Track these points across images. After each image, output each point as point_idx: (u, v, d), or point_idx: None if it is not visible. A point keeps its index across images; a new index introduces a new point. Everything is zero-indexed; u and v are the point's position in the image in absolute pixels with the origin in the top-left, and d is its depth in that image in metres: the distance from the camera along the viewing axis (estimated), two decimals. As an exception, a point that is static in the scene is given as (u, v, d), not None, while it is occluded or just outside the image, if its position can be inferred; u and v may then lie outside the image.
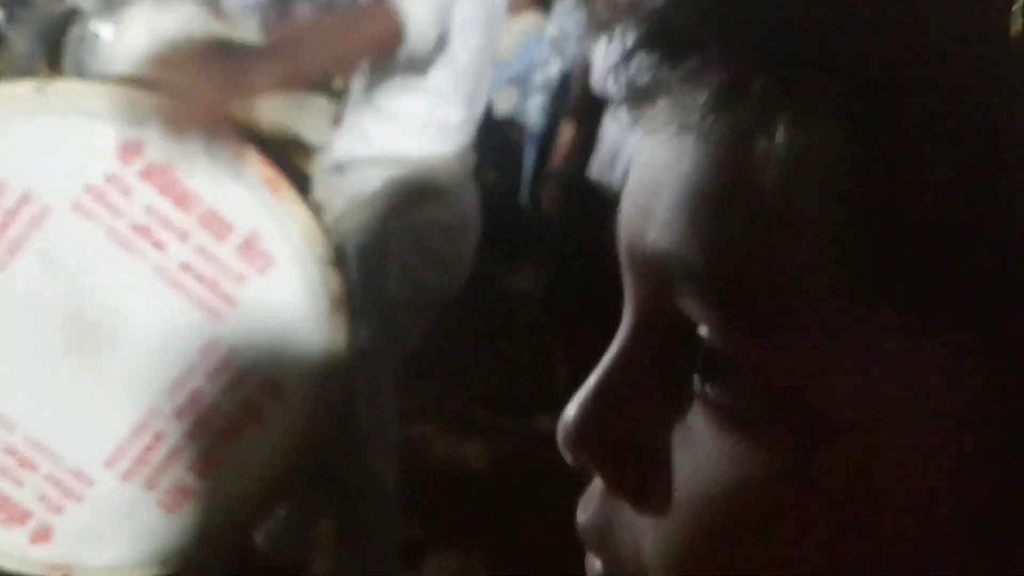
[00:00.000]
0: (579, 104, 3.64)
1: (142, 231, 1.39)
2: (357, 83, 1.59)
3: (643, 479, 0.26)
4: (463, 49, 1.54)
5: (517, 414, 3.13)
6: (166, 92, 1.30)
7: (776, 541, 0.24)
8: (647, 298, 0.27)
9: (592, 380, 0.28)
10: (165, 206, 1.39)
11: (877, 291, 0.22)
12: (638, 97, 0.27)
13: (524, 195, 4.60)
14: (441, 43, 1.49)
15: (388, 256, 1.59)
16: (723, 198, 0.24)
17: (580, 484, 0.30)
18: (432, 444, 2.81)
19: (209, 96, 1.33)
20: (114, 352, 1.40)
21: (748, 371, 0.24)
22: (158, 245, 1.39)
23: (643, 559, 0.26)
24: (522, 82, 4.61)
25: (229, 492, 1.46)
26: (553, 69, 4.39)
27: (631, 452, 0.27)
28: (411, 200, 1.59)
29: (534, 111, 4.56)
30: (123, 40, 4.78)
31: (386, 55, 1.44)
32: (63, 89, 1.38)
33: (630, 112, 0.28)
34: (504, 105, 4.77)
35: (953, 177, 0.21)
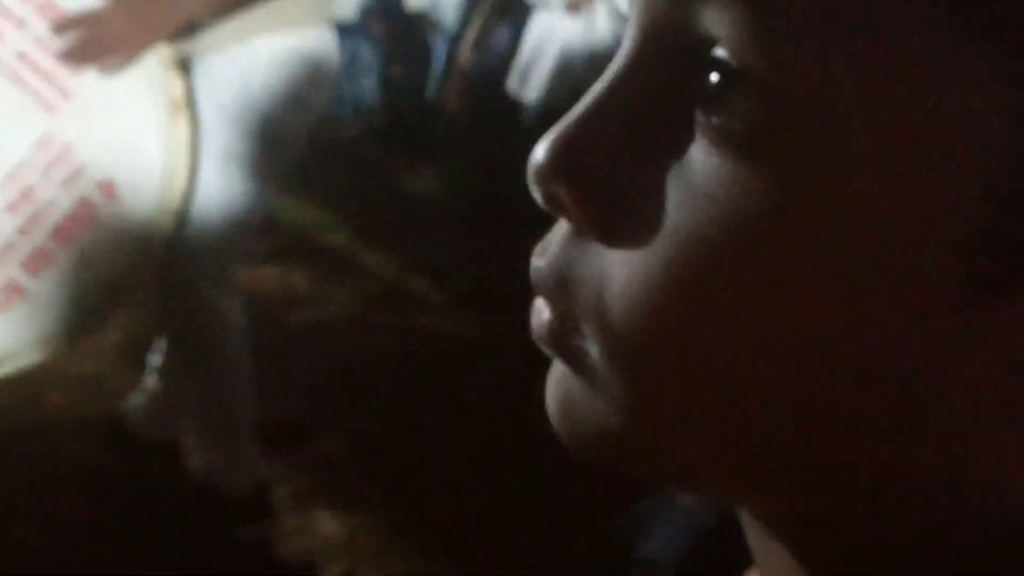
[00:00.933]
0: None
1: (-20, 19, 1.35)
2: None
3: (623, 210, 0.24)
4: None
5: (405, 311, 3.14)
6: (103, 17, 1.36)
7: (754, 282, 0.22)
8: (658, 12, 0.24)
9: (580, 105, 0.25)
10: (6, -4, 1.35)
11: None
12: None
13: (432, 92, 4.57)
14: None
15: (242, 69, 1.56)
16: None
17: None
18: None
19: (141, 20, 1.39)
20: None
21: (768, 88, 0.22)
22: (-3, 34, 1.36)
23: (604, 305, 0.24)
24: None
25: (61, 294, 1.45)
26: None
27: (614, 183, 0.24)
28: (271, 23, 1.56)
29: (448, 7, 4.51)
30: None
31: None
32: None
33: None
34: (417, 1, 4.71)
35: None
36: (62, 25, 1.37)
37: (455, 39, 4.41)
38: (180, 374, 1.74)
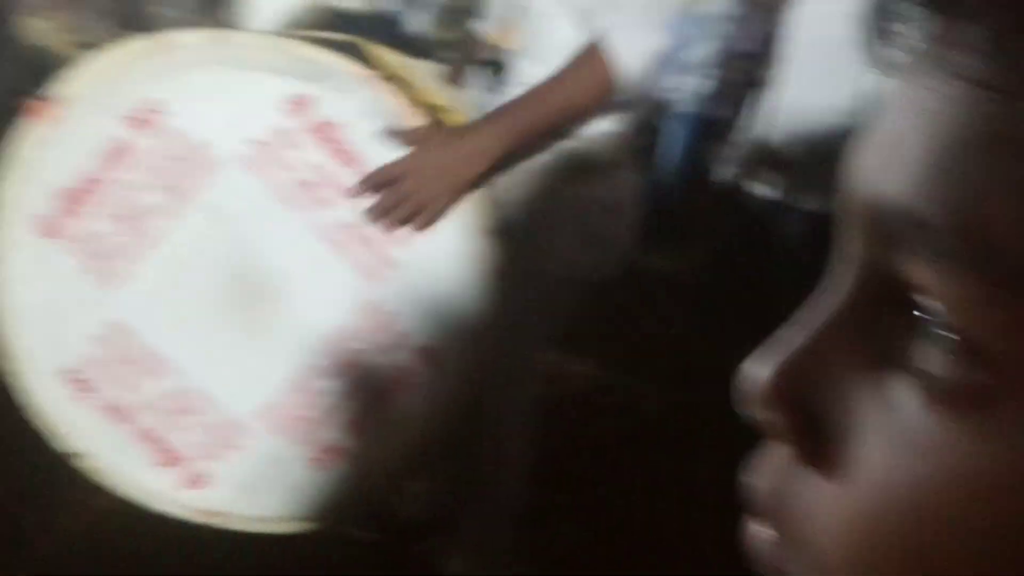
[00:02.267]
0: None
1: (307, 187, 1.38)
2: (524, 67, 1.58)
3: (836, 447, 0.25)
4: None
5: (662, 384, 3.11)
6: (413, 182, 1.36)
7: (974, 535, 0.22)
8: (869, 256, 0.25)
9: (794, 336, 0.26)
10: (330, 163, 1.38)
11: None
12: (902, 42, 0.25)
13: (668, 174, 4.50)
14: (652, 82, 1.50)
15: (548, 230, 1.56)
16: (983, 151, 0.22)
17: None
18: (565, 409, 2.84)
19: (446, 174, 1.37)
20: (276, 308, 1.40)
21: (982, 347, 0.21)
22: (322, 202, 1.39)
23: (811, 536, 0.25)
24: (671, 59, 4.48)
25: (377, 453, 1.45)
26: (705, 47, 4.25)
27: (827, 416, 0.25)
28: (575, 176, 1.56)
29: (684, 90, 4.43)
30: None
31: (603, 104, 1.45)
32: (238, 41, 1.39)
33: (889, 59, 0.26)
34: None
35: None
36: (364, 184, 1.38)
37: (697, 121, 4.34)
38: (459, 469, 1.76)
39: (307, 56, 1.38)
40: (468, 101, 2.47)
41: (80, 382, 1.41)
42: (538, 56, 1.55)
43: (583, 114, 1.46)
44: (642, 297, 3.89)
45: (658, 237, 4.40)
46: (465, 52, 3.91)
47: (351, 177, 1.38)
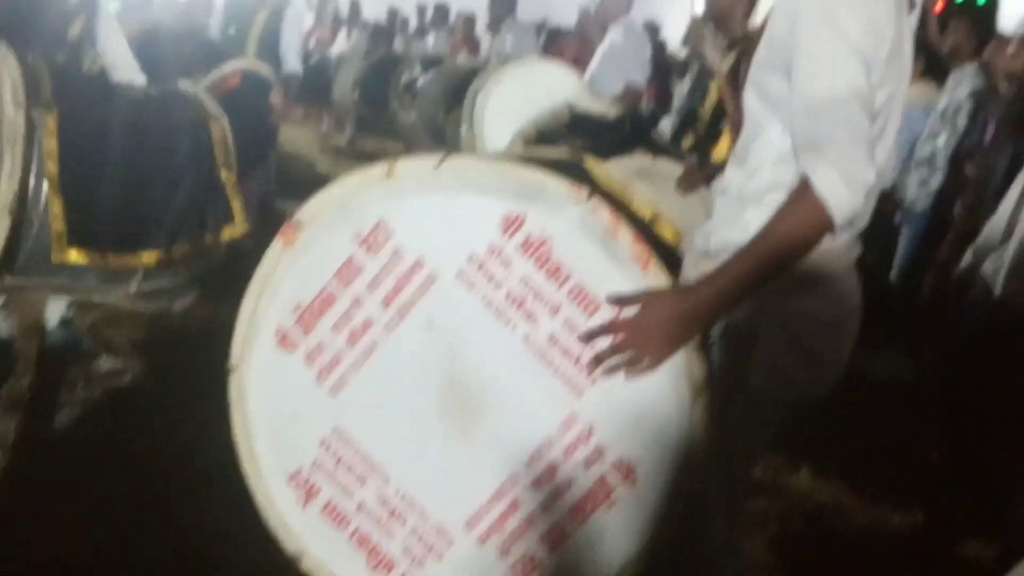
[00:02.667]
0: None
1: (517, 302, 1.43)
2: (735, 175, 1.56)
3: None
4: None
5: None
6: (632, 338, 1.37)
7: None
8: None
9: None
10: (539, 279, 1.43)
11: None
12: None
13: (899, 273, 4.27)
14: (867, 213, 1.47)
15: (757, 346, 1.50)
16: None
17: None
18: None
19: (670, 335, 1.37)
20: (483, 418, 1.45)
21: None
22: (530, 316, 1.43)
23: None
24: (902, 154, 4.30)
25: (574, 569, 1.45)
26: (940, 143, 4.04)
27: None
28: (787, 289, 1.48)
29: (914, 186, 4.23)
30: (498, 96, 5.07)
31: (818, 242, 1.40)
32: (456, 165, 1.47)
33: None
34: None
35: None
36: (588, 335, 1.40)
37: (927, 220, 4.12)
38: None
39: (521, 176, 1.44)
40: (689, 209, 2.48)
41: (306, 486, 1.52)
42: (747, 163, 1.53)
43: (802, 254, 1.40)
44: (869, 404, 3.69)
45: (887, 340, 4.18)
46: (701, 157, 3.93)
47: (558, 291, 1.42)
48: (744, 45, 3.80)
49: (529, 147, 4.70)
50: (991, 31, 4.37)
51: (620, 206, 1.66)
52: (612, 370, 1.38)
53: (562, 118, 4.65)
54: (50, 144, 2.37)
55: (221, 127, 2.77)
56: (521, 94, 5.01)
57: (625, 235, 1.41)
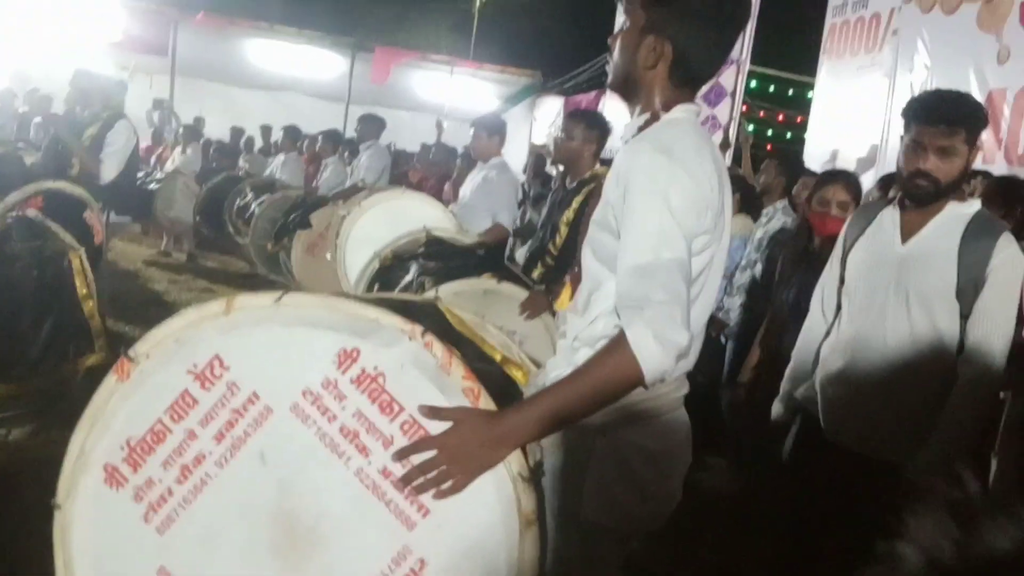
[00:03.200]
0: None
1: (350, 435, 1.46)
2: (576, 321, 1.64)
3: None
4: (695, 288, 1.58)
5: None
6: (441, 456, 1.42)
7: None
8: None
9: None
10: (372, 412, 1.46)
11: None
12: None
13: (724, 391, 4.51)
14: (673, 372, 1.53)
15: (587, 477, 1.57)
16: None
17: None
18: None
19: (477, 455, 1.43)
20: (316, 555, 1.45)
21: None
22: (363, 450, 1.46)
23: None
24: (725, 281, 4.62)
25: None
26: (757, 271, 4.38)
27: None
28: (616, 421, 1.56)
29: (735, 309, 4.53)
30: (358, 224, 5.16)
31: (628, 392, 1.48)
32: (294, 302, 1.51)
33: None
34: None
35: None
36: (400, 455, 1.44)
37: (740, 341, 4.39)
38: None
39: (357, 312, 1.49)
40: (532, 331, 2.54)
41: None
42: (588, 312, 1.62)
43: (611, 400, 1.48)
44: (700, 520, 3.81)
45: (710, 454, 4.37)
46: (549, 286, 4.04)
47: (391, 424, 1.46)
48: (594, 186, 4.02)
49: (384, 271, 4.77)
50: (799, 170, 4.81)
51: (471, 346, 1.73)
52: (420, 489, 1.42)
53: (419, 241, 4.77)
54: None
55: (79, 257, 2.71)
56: (384, 221, 5.13)
57: (458, 370, 1.47)
